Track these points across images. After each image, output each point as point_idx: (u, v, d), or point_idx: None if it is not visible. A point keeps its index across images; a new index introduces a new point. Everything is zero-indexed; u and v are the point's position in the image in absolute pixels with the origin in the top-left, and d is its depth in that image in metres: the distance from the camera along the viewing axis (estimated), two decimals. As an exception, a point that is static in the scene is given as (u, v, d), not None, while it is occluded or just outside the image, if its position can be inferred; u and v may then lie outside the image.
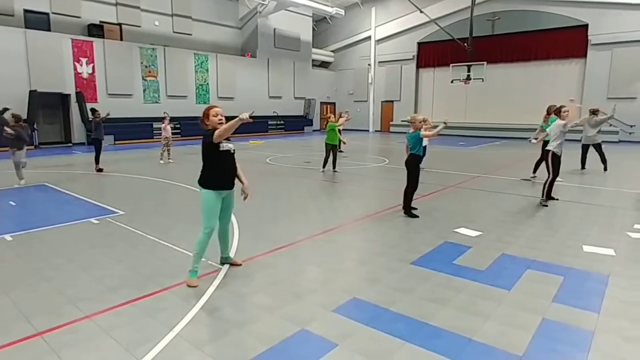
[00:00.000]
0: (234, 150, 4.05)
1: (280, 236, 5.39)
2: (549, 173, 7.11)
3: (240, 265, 4.38)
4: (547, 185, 7.10)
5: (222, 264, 4.38)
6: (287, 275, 4.14)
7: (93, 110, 11.14)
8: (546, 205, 7.02)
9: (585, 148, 10.98)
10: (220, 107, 4.07)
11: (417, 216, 6.33)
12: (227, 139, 3.97)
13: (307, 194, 8.26)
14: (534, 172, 9.72)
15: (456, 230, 5.61)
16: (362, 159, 13.80)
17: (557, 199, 7.42)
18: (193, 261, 3.97)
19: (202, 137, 3.98)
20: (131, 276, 4.09)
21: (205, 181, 3.97)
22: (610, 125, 19.65)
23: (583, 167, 10.97)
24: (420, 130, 6.37)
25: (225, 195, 4.07)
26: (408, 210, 6.44)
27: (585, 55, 21.10)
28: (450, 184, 9.11)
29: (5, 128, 8.57)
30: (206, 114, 3.99)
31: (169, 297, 3.65)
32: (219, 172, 3.96)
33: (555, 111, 7.44)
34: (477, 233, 5.48)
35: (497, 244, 5.07)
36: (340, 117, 16.11)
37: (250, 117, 3.69)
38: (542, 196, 7.14)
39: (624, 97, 19.80)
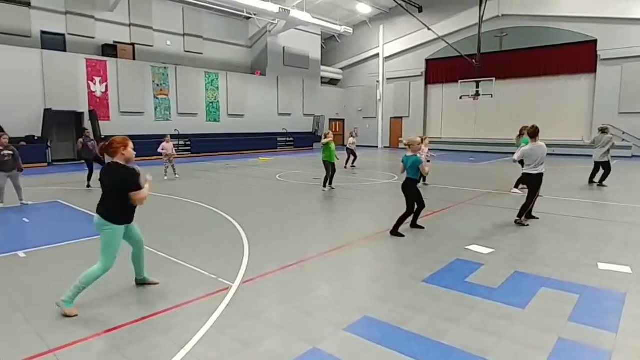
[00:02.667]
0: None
1: (290, 253, 5.38)
2: (528, 194, 6.80)
3: (157, 284, 4.27)
4: (527, 207, 6.74)
5: (138, 285, 4.29)
6: (297, 293, 4.11)
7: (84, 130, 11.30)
8: (527, 225, 6.70)
9: (597, 165, 10.81)
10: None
11: (403, 235, 6.13)
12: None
13: (316, 211, 8.26)
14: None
15: (468, 247, 5.55)
16: (371, 176, 13.79)
17: (537, 218, 7.07)
18: (72, 292, 3.71)
19: (108, 169, 3.86)
20: (142, 293, 4.11)
21: (113, 215, 3.82)
22: (623, 140, 19.49)
23: (590, 182, 10.86)
24: (418, 153, 6.32)
25: (125, 227, 3.97)
26: (395, 231, 6.21)
27: (595, 71, 21.05)
28: (460, 200, 9.05)
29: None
30: (124, 144, 3.85)
31: (180, 315, 3.65)
32: (126, 207, 3.87)
33: (530, 133, 6.93)
34: (489, 250, 5.41)
35: (510, 261, 5.00)
36: (351, 136, 16.25)
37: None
38: (519, 216, 6.78)
39: (636, 112, 19.68)
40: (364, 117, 30.22)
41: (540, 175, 6.77)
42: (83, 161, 11.76)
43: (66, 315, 3.60)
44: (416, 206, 6.37)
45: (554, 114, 22.23)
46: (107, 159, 3.92)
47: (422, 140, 6.44)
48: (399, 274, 4.64)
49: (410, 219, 6.44)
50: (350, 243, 5.89)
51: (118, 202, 3.82)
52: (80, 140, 11.13)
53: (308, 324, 3.47)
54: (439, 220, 7.15)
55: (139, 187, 3.82)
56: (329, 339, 3.21)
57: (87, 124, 18.27)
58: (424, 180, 11.02)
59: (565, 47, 21.58)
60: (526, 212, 6.80)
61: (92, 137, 11.18)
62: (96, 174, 10.87)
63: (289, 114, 27.22)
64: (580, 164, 16.41)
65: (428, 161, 9.62)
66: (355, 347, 3.10)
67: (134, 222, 4.11)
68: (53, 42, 17.98)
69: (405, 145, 6.48)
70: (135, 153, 3.95)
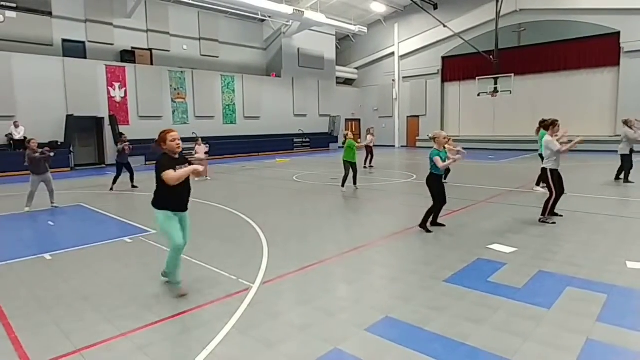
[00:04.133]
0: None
1: (310, 254, 5.37)
2: (550, 191, 6.64)
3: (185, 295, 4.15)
4: (549, 204, 6.58)
5: (164, 276, 4.43)
6: (318, 294, 4.10)
7: (120, 135, 11.64)
8: (554, 222, 6.54)
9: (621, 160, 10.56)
10: (176, 131, 4.18)
11: (430, 231, 6.25)
12: (183, 165, 4.07)
13: (335, 211, 8.25)
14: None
15: (489, 246, 5.46)
16: (389, 175, 13.70)
17: (561, 215, 6.91)
18: (171, 279, 4.17)
19: (156, 161, 4.07)
20: (165, 294, 4.16)
21: (159, 203, 4.06)
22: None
23: (616, 178, 10.59)
24: (444, 148, 6.29)
25: (179, 217, 4.14)
26: (424, 225, 6.33)
27: (618, 64, 20.48)
28: (481, 199, 8.91)
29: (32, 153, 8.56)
30: (162, 138, 4.04)
31: (202, 315, 3.68)
32: (173, 195, 4.03)
33: (545, 126, 6.85)
34: (512, 249, 5.30)
35: (534, 260, 4.89)
36: (369, 133, 16.19)
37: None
38: (542, 214, 6.63)
39: (662, 106, 19.05)
40: (380, 117, 30.06)
41: (558, 170, 6.62)
42: (115, 164, 11.95)
43: (181, 295, 4.03)
44: (437, 204, 6.34)
45: (576, 110, 21.70)
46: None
47: (448, 140, 6.38)
48: (419, 274, 4.59)
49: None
50: (369, 243, 5.85)
51: (158, 189, 4.05)
52: (126, 144, 11.34)
53: (329, 324, 3.46)
54: (459, 219, 7.05)
55: (169, 169, 3.91)
56: (350, 340, 3.19)
57: (107, 128, 18.65)
58: (444, 177, 10.90)
59: (587, 41, 21.05)
60: (549, 210, 6.64)
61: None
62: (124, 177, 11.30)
63: (305, 115, 27.27)
64: (605, 160, 15.98)
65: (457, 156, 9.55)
66: (377, 347, 3.07)
67: (187, 216, 4.26)
68: (74, 49, 18.42)
69: (430, 138, 6.47)
70: (176, 144, 4.06)
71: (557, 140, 6.72)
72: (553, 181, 6.59)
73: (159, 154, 4.08)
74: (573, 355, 2.89)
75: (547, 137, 6.65)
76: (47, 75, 17.03)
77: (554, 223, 6.55)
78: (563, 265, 4.70)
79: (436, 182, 6.32)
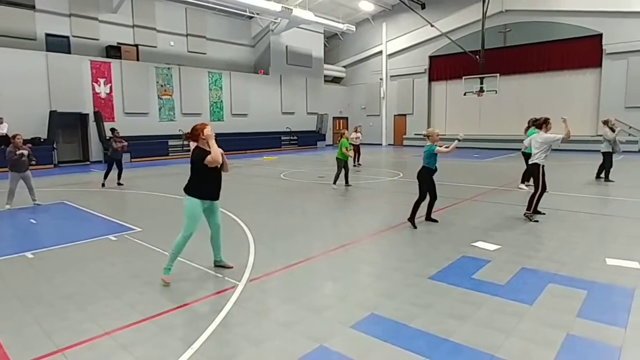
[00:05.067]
0: (219, 165, 4.38)
1: (296, 251, 5.38)
2: (536, 187, 6.78)
3: (232, 267, 4.71)
4: (534, 200, 6.72)
5: (215, 266, 4.77)
6: (304, 291, 4.12)
7: (113, 130, 11.56)
8: (536, 221, 6.65)
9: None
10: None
11: (416, 227, 6.41)
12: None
13: (321, 209, 8.26)
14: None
15: (474, 244, 5.53)
16: (376, 173, 13.76)
17: (544, 214, 7.02)
18: (168, 260, 4.37)
19: (192, 151, 4.45)
20: (149, 292, 4.12)
21: (192, 190, 4.36)
22: (630, 135, 19.33)
23: (597, 176, 10.85)
24: (436, 143, 6.41)
25: (208, 205, 4.46)
26: (412, 219, 6.50)
27: (600, 65, 20.87)
28: (466, 197, 9.02)
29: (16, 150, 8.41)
30: (201, 129, 4.33)
31: (187, 314, 3.66)
32: (206, 184, 4.38)
33: (537, 125, 6.99)
34: (496, 247, 5.39)
35: (517, 257, 4.97)
36: (355, 131, 16.22)
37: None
38: (528, 209, 6.77)
39: (642, 106, 19.50)
40: (367, 115, 30.15)
41: (543, 167, 6.79)
42: (106, 161, 11.91)
43: (164, 283, 4.24)
44: (429, 198, 6.47)
45: (559, 109, 21.85)
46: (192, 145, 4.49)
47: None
48: (405, 271, 4.63)
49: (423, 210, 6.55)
50: (355, 241, 5.88)
51: (193, 177, 4.37)
52: (124, 144, 11.28)
53: (315, 321, 3.48)
54: (445, 217, 7.12)
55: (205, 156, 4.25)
56: (336, 337, 3.21)
57: (92, 125, 18.36)
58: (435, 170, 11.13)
59: (570, 42, 21.40)
60: (534, 207, 6.76)
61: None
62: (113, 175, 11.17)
63: (293, 113, 27.20)
64: (586, 159, 16.29)
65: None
66: (362, 344, 3.09)
67: (219, 209, 4.62)
68: (58, 44, 18.04)
69: (424, 136, 6.70)
70: (213, 134, 4.36)
71: None
72: (542, 176, 6.76)
73: (196, 148, 4.38)
74: (554, 350, 2.95)
75: (544, 134, 6.80)
76: (30, 70, 16.66)
77: (536, 221, 6.66)
78: (545, 262, 4.79)
79: (428, 176, 6.49)
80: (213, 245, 4.74)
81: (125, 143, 11.39)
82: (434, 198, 6.63)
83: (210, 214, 4.57)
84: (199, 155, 4.30)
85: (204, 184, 4.37)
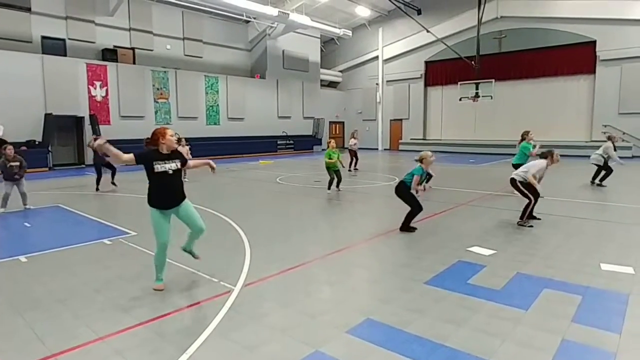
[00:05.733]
0: (172, 171, 4.17)
1: (292, 256, 5.37)
2: (527, 198, 6.71)
3: (199, 259, 4.68)
4: (528, 209, 6.69)
5: (184, 250, 4.69)
6: (299, 296, 4.10)
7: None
8: (531, 226, 6.65)
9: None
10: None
11: (413, 230, 6.44)
12: (174, 160, 4.19)
13: (317, 213, 8.25)
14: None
15: (469, 249, 5.54)
16: (372, 178, 13.79)
17: (539, 219, 7.01)
18: (155, 272, 4.27)
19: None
20: (144, 297, 4.09)
21: (149, 199, 4.18)
22: (623, 140, 19.49)
23: (592, 181, 10.95)
24: (426, 168, 6.51)
25: (174, 212, 4.28)
26: (405, 228, 6.47)
27: (594, 72, 21.09)
28: (461, 202, 9.04)
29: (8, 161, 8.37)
30: (162, 133, 4.16)
31: (182, 319, 3.64)
32: (157, 193, 4.14)
33: (543, 156, 6.99)
34: (491, 252, 5.40)
35: (512, 262, 4.98)
36: (352, 137, 16.26)
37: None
38: (521, 218, 6.75)
39: (635, 112, 19.74)
40: (363, 120, 30.24)
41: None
42: (93, 165, 11.72)
43: (155, 289, 4.18)
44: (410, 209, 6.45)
45: (553, 115, 22.27)
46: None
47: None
48: (400, 276, 4.63)
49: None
50: (351, 245, 5.88)
51: (149, 185, 4.17)
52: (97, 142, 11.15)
53: (310, 326, 3.46)
54: (440, 222, 7.14)
55: (137, 157, 4.08)
56: (331, 342, 3.20)
57: (88, 128, 18.28)
58: (427, 181, 11.03)
59: (564, 48, 21.62)
60: (528, 213, 6.78)
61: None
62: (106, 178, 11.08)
63: (289, 117, 27.23)
64: (580, 164, 16.38)
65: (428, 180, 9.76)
66: (358, 349, 3.09)
67: (186, 208, 4.37)
68: (53, 47, 17.99)
69: (417, 160, 6.58)
70: (175, 139, 4.29)
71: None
72: (527, 189, 6.72)
73: (147, 148, 4.18)
74: (549, 355, 2.96)
75: (544, 163, 6.80)
76: (25, 72, 16.58)
77: (531, 226, 6.68)
78: (540, 267, 4.80)
79: (406, 192, 6.44)
80: (189, 237, 4.58)
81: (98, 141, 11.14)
82: (419, 209, 6.47)
83: (186, 220, 4.35)
84: (150, 154, 4.13)
85: (155, 191, 4.14)
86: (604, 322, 3.43)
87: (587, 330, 3.31)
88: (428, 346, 3.11)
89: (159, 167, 4.07)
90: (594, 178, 10.98)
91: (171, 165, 4.14)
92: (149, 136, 4.21)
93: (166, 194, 4.17)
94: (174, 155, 4.23)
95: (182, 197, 4.33)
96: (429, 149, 11.52)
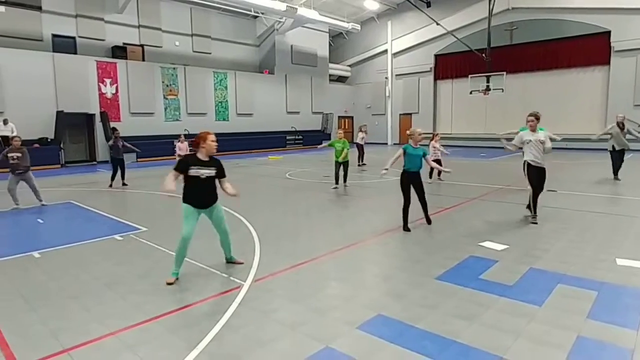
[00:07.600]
0: (205, 176, 4.40)
1: (301, 251, 5.35)
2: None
3: (242, 263, 4.84)
4: (530, 200, 6.57)
5: (227, 263, 4.88)
6: (309, 291, 4.09)
7: (114, 130, 11.59)
8: (534, 222, 6.46)
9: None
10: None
11: (409, 230, 6.22)
12: (200, 166, 4.39)
13: (327, 209, 8.23)
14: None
15: (481, 243, 5.47)
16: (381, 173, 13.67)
17: (535, 215, 6.71)
18: (174, 265, 4.40)
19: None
20: (155, 293, 4.11)
21: (184, 196, 4.46)
22: None
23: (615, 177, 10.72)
24: (418, 144, 6.39)
25: (204, 212, 4.53)
26: (406, 227, 6.29)
27: (608, 63, 20.64)
28: (472, 196, 8.95)
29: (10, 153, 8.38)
30: (203, 137, 4.40)
31: (193, 314, 3.65)
32: (192, 192, 4.42)
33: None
34: (503, 246, 5.33)
35: (525, 257, 4.91)
36: (360, 130, 16.18)
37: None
38: (531, 212, 6.60)
39: (651, 104, 19.28)
40: (373, 114, 30.06)
41: (533, 165, 6.59)
42: (110, 161, 11.94)
43: (167, 283, 4.27)
44: (404, 202, 6.32)
45: (567, 108, 21.88)
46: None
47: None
48: (411, 271, 4.59)
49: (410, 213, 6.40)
50: (361, 241, 5.85)
51: (184, 184, 4.43)
52: (118, 141, 11.37)
53: (320, 322, 3.45)
54: (451, 217, 7.07)
55: (177, 169, 4.40)
56: (342, 338, 3.18)
57: (98, 125, 18.45)
58: (439, 175, 10.93)
59: (578, 39, 21.18)
60: (532, 206, 6.60)
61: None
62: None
63: (298, 112, 27.19)
64: (594, 158, 16.12)
65: (438, 159, 9.73)
66: (368, 345, 3.06)
67: (218, 211, 4.62)
68: (64, 45, 18.15)
69: (408, 135, 6.60)
70: (215, 145, 4.47)
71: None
72: (527, 175, 6.58)
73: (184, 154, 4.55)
74: (564, 352, 2.90)
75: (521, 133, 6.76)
76: (37, 70, 16.77)
77: (535, 223, 6.46)
78: (554, 262, 4.72)
79: (408, 181, 6.32)
80: (223, 247, 4.84)
81: (116, 141, 11.32)
82: (407, 203, 6.29)
83: (213, 220, 4.64)
84: (181, 164, 4.40)
85: (189, 192, 4.43)
86: (620, 318, 3.36)
87: (603, 327, 3.24)
88: (440, 342, 3.07)
89: (193, 171, 4.32)
90: (615, 172, 10.65)
91: (205, 172, 4.37)
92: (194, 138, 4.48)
93: (197, 195, 4.43)
94: (212, 162, 4.46)
95: (214, 199, 4.55)
96: (439, 142, 11.44)
